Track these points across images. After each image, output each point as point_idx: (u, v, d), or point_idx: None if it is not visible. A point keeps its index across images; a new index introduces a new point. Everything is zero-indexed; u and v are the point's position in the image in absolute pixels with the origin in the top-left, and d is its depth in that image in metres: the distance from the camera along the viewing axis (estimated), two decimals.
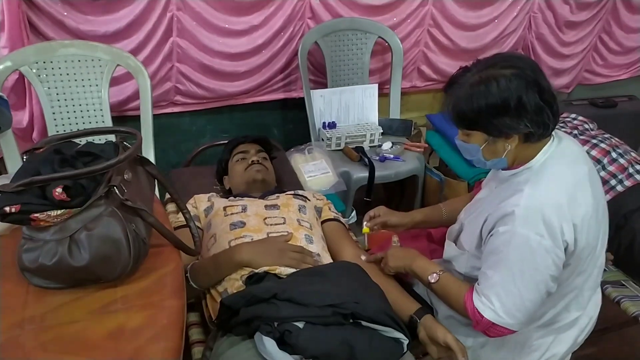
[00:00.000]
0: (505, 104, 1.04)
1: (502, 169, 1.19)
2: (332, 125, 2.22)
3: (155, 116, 1.89)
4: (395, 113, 2.38)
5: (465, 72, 1.12)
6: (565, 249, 1.08)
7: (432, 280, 1.22)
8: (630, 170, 1.75)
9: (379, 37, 2.26)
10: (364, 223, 1.49)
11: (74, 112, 1.76)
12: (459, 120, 1.13)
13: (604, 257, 1.26)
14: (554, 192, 1.08)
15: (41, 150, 1.01)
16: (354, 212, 2.12)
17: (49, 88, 1.71)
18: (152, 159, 1.82)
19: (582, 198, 1.10)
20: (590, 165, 1.18)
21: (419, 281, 1.32)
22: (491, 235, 1.13)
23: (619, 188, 1.72)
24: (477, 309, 1.13)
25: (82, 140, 1.10)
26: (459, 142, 1.19)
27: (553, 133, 1.15)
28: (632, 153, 1.83)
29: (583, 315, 1.27)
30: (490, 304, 1.11)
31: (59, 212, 0.88)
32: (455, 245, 1.30)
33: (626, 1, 2.70)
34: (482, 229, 1.16)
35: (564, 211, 1.06)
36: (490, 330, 1.13)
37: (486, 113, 1.06)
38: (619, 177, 1.74)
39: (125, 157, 0.96)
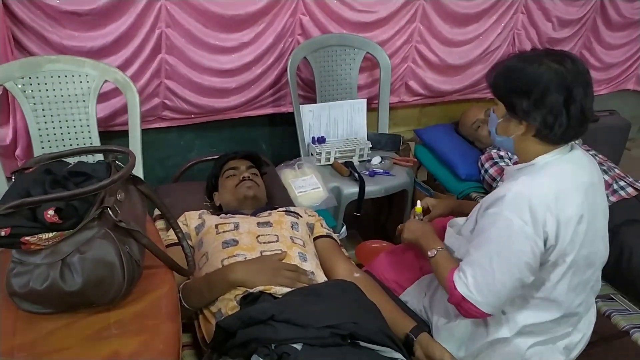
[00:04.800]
0: (529, 87, 1.11)
1: (513, 164, 1.27)
2: (321, 140, 2.22)
3: (142, 131, 1.86)
4: (383, 128, 2.39)
5: (524, 52, 1.21)
6: (546, 241, 1.11)
7: (430, 255, 1.29)
8: (615, 186, 1.79)
9: (368, 52, 2.28)
10: (418, 202, 1.54)
11: (60, 128, 1.72)
12: (494, 86, 1.20)
13: (600, 282, 1.30)
14: (546, 186, 1.12)
15: (30, 170, 0.99)
16: (344, 227, 2.11)
17: (34, 104, 1.67)
18: (140, 175, 1.79)
19: (572, 201, 1.13)
20: (593, 180, 1.20)
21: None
22: (482, 217, 1.19)
23: None
24: (453, 282, 1.18)
25: (72, 160, 1.07)
26: (492, 112, 1.27)
27: (572, 144, 1.20)
28: (616, 169, 1.88)
29: (575, 331, 1.28)
30: (465, 279, 1.16)
31: (50, 234, 0.86)
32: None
33: (606, 19, 2.78)
34: (478, 213, 1.22)
35: (551, 205, 1.10)
36: (461, 305, 1.17)
37: (512, 87, 1.15)
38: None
39: (119, 177, 0.94)
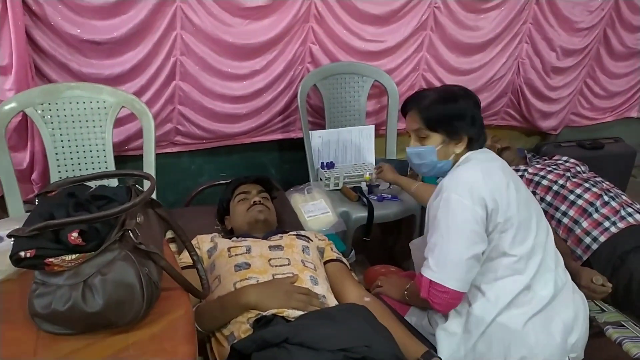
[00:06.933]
0: (464, 112, 1.37)
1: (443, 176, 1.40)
2: (330, 165, 2.26)
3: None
4: (391, 153, 2.43)
5: (424, 92, 1.45)
6: (487, 207, 1.27)
7: (405, 293, 1.51)
8: (623, 212, 1.79)
9: (376, 80, 2.34)
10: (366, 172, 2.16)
11: (77, 152, 1.77)
12: (427, 121, 1.39)
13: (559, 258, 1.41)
14: (471, 169, 1.34)
15: (53, 193, 1.02)
16: (353, 251, 2.12)
17: (53, 129, 1.72)
18: None
19: (495, 173, 1.33)
20: (504, 163, 1.42)
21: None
22: (429, 213, 1.36)
23: (613, 229, 1.76)
24: (421, 274, 1.30)
25: (93, 183, 1.11)
26: (412, 149, 1.44)
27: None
28: (623, 196, 1.89)
29: (559, 305, 1.33)
30: (428, 264, 1.29)
31: (73, 256, 0.88)
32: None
33: (609, 49, 2.84)
34: (427, 215, 1.38)
35: (479, 178, 1.29)
36: (432, 294, 1.27)
37: (451, 115, 1.37)
38: (612, 219, 1.78)
39: (141, 200, 0.96)
